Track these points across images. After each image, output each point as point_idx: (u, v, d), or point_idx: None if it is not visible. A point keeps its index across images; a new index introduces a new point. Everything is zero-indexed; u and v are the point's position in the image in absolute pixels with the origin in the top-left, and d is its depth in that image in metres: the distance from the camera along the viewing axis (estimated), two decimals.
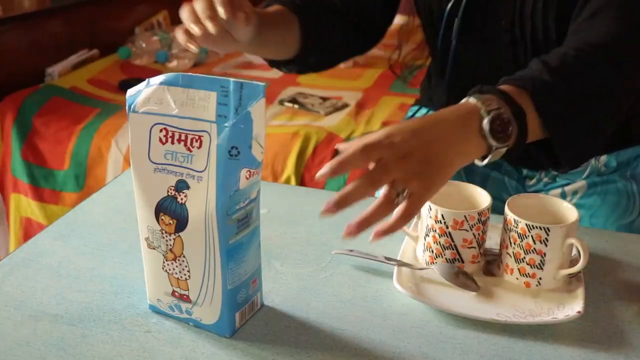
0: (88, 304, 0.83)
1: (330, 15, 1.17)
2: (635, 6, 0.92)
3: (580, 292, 0.85)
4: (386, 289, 0.87)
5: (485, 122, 0.75)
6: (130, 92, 0.73)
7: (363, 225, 0.71)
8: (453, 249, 0.87)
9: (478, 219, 0.85)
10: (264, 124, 0.70)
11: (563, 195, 1.23)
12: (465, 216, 0.85)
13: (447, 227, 0.86)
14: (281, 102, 2.18)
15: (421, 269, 0.89)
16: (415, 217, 0.91)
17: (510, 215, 0.85)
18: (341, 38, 1.20)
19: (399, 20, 1.27)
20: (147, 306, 0.82)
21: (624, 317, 0.84)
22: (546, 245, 0.83)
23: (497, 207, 0.97)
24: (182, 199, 0.71)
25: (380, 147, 0.70)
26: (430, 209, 0.86)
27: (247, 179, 0.71)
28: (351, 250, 0.93)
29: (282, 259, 0.95)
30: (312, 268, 0.93)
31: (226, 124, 0.68)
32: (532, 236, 0.83)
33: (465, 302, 0.84)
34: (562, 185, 1.23)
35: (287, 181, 1.81)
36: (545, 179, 1.25)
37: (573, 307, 0.82)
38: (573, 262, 0.86)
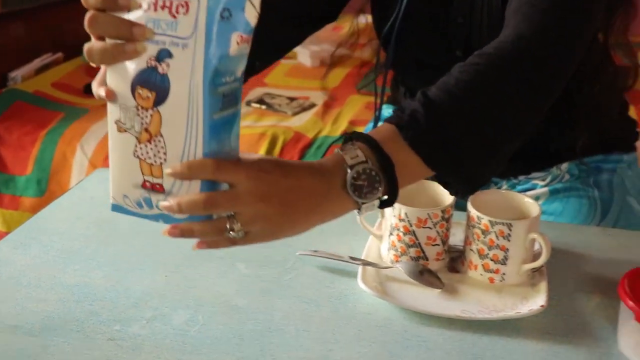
0: (49, 314, 0.82)
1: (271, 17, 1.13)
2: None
3: (543, 286, 0.86)
4: (351, 288, 0.87)
5: (349, 179, 0.68)
6: None
7: (184, 235, 0.67)
8: (417, 247, 0.87)
9: (441, 217, 0.86)
10: None
11: None
12: (428, 214, 0.85)
13: (410, 226, 0.86)
14: (248, 103, 2.17)
15: (386, 267, 0.89)
16: (379, 215, 0.91)
17: (473, 211, 0.86)
18: (284, 36, 1.17)
19: (367, 19, 1.27)
20: (110, 314, 0.81)
21: (586, 309, 0.85)
22: (509, 240, 0.84)
23: (461, 204, 0.98)
24: (163, 68, 0.65)
25: (243, 174, 0.65)
26: (394, 208, 0.86)
27: (237, 44, 0.64)
28: (315, 251, 0.93)
29: (247, 261, 0.94)
30: (277, 270, 0.92)
31: None
32: (495, 232, 0.84)
33: (430, 299, 0.84)
34: (524, 191, 1.22)
35: None
36: (506, 187, 1.25)
37: (536, 301, 0.83)
38: (536, 257, 0.87)
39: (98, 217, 1.04)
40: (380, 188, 0.69)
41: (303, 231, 0.70)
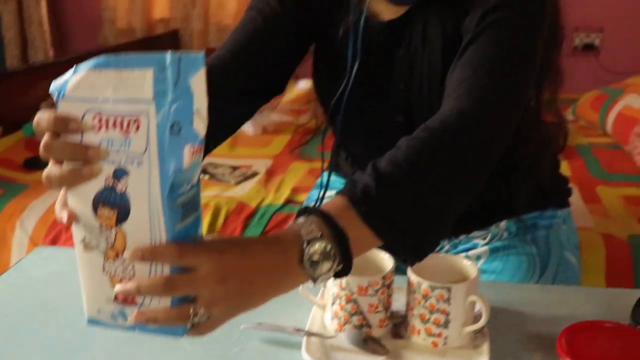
0: None
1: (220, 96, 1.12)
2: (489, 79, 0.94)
3: (485, 347, 0.87)
4: None
5: (306, 254, 0.71)
6: (57, 81, 0.66)
7: (149, 321, 0.67)
8: (360, 315, 0.88)
9: (382, 284, 0.87)
10: (205, 96, 0.65)
11: None
12: (369, 282, 0.86)
13: (352, 294, 0.87)
14: None
15: (330, 337, 0.89)
16: (322, 285, 0.92)
17: (413, 277, 0.87)
18: (234, 113, 1.17)
19: (307, 84, 1.30)
20: None
21: None
22: (449, 304, 0.85)
23: (402, 269, 0.99)
24: (121, 187, 0.65)
25: (203, 257, 0.67)
26: (334, 280, 0.87)
27: (190, 156, 0.65)
28: (259, 324, 0.93)
29: (192, 338, 0.93)
30: (222, 345, 0.91)
31: (166, 100, 0.63)
32: (435, 296, 0.85)
33: None
34: (465, 250, 1.26)
35: None
36: (448, 247, 1.28)
37: None
38: (477, 318, 0.88)
39: (37, 297, 1.02)
40: (335, 261, 0.72)
41: (260, 305, 0.72)
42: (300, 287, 0.91)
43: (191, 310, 0.66)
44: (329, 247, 0.71)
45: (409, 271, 0.88)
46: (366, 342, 0.87)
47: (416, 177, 0.81)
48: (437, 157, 0.83)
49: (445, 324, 0.87)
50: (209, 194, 2.02)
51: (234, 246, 0.70)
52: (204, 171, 2.19)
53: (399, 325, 0.93)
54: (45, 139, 0.66)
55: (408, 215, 0.79)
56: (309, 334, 0.89)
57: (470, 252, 1.24)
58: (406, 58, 1.11)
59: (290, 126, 2.55)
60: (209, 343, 0.91)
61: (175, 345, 0.90)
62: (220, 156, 2.39)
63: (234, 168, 2.24)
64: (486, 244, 1.23)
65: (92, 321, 0.72)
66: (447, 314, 0.86)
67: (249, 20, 1.16)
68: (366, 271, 0.89)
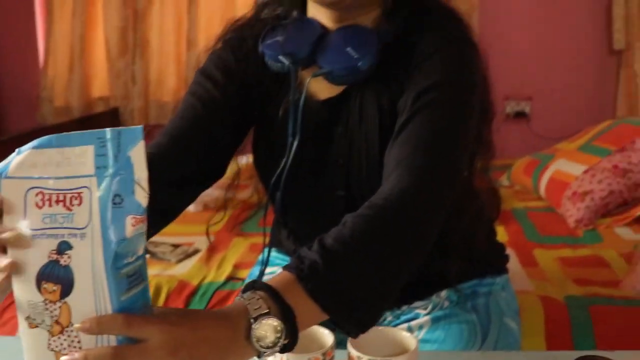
0: None
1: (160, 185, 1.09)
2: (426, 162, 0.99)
3: None
4: None
5: (253, 331, 0.73)
6: (4, 161, 0.69)
7: None
8: None
9: None
10: (145, 167, 0.68)
11: (410, 330, 1.24)
12: (309, 358, 0.86)
13: None
14: None
15: None
16: None
17: (353, 351, 0.88)
18: (175, 201, 1.15)
19: (248, 159, 1.31)
20: None
21: None
22: None
23: (344, 344, 0.99)
24: (65, 260, 0.67)
25: (154, 328, 0.68)
26: (275, 355, 0.87)
27: (133, 226, 0.67)
28: None
29: None
30: None
31: (107, 174, 0.66)
32: None
33: None
34: (408, 321, 1.26)
35: None
36: (390, 318, 1.28)
37: None
38: None
39: None
40: (282, 337, 0.75)
41: None
42: None
43: None
44: (275, 323, 0.74)
45: (349, 346, 0.88)
46: None
47: (361, 254, 0.86)
48: (381, 235, 0.89)
49: None
50: (149, 273, 1.99)
51: (185, 319, 0.71)
52: (145, 251, 2.16)
53: None
54: None
55: (353, 291, 0.84)
56: None
57: (413, 323, 1.25)
58: (344, 135, 1.14)
59: (232, 201, 2.55)
60: None
61: None
62: (161, 234, 2.33)
63: (175, 246, 2.22)
64: (428, 313, 1.25)
65: None
66: None
67: (189, 107, 1.17)
68: (306, 347, 0.90)
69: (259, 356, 0.75)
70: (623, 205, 2.54)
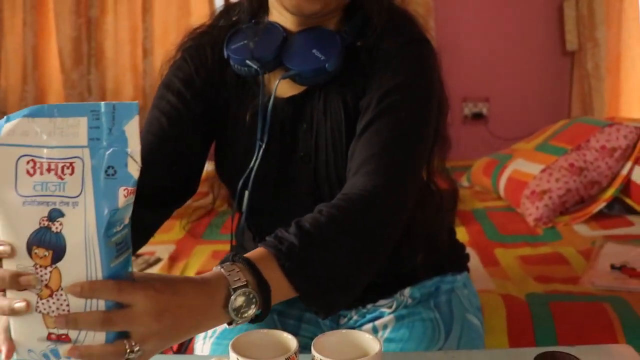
0: None
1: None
2: (392, 161, 1.04)
3: None
4: None
5: (231, 301, 0.80)
6: None
7: (83, 356, 0.70)
8: None
9: None
10: (138, 141, 0.70)
11: (375, 330, 1.27)
12: None
13: None
14: None
15: None
16: None
17: (316, 355, 0.87)
18: (150, 220, 1.14)
19: (209, 166, 1.31)
20: None
21: None
22: None
23: (309, 348, 0.99)
24: (57, 227, 0.68)
25: (140, 294, 0.72)
26: None
27: (125, 197, 0.69)
28: None
29: None
30: None
31: (101, 146, 0.68)
32: None
33: None
34: (373, 320, 1.28)
35: None
36: (355, 317, 1.30)
37: None
38: None
39: None
40: (254, 307, 0.82)
41: (183, 340, 0.79)
42: None
43: (127, 346, 0.70)
44: (251, 295, 0.81)
45: (313, 350, 0.88)
46: None
47: (335, 244, 0.93)
48: (353, 230, 0.96)
49: None
50: None
51: (168, 286, 0.75)
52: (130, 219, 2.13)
53: None
54: None
55: (325, 276, 0.91)
56: None
57: (377, 322, 1.27)
58: (309, 131, 1.16)
59: (193, 209, 2.52)
60: None
61: None
62: None
63: (137, 256, 2.19)
64: (392, 312, 1.26)
65: None
66: None
67: (155, 121, 1.16)
68: (270, 352, 0.89)
69: (229, 323, 0.81)
70: (580, 203, 2.59)
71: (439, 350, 1.20)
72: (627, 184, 2.54)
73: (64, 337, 0.71)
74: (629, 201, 2.54)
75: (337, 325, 1.31)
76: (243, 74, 1.16)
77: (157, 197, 1.11)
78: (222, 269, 0.82)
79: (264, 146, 1.14)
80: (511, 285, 1.92)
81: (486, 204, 2.76)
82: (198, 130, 1.19)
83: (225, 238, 2.21)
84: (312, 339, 0.91)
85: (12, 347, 0.71)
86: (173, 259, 2.17)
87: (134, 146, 0.70)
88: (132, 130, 0.70)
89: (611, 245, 2.21)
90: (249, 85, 1.19)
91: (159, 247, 2.29)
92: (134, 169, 0.70)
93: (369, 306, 1.29)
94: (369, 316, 1.29)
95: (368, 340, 0.92)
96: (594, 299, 1.80)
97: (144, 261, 2.15)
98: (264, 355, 0.88)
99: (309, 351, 0.90)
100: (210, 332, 1.26)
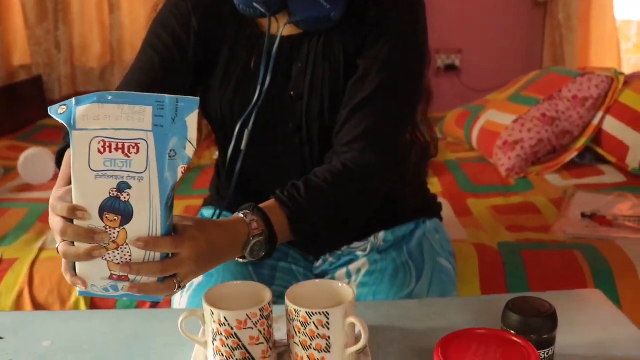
0: None
1: None
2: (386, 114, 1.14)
3: None
4: None
5: (250, 246, 0.97)
6: (59, 109, 0.81)
7: (141, 292, 0.85)
8: (242, 349, 0.87)
9: (261, 315, 0.87)
10: (195, 128, 0.82)
11: (348, 275, 1.29)
12: (247, 314, 0.86)
13: (232, 329, 0.86)
14: None
15: None
16: (201, 323, 0.91)
17: (290, 306, 0.88)
18: None
19: None
20: None
21: None
22: (328, 328, 0.86)
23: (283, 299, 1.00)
24: (125, 197, 0.80)
25: (186, 245, 0.86)
26: (213, 314, 0.86)
27: (182, 173, 0.83)
28: None
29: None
30: None
31: (164, 132, 0.80)
32: (314, 322, 0.86)
33: None
34: (347, 264, 1.30)
35: (76, 304, 1.71)
36: (331, 259, 1.32)
37: None
38: (358, 339, 0.90)
39: None
40: (263, 251, 0.99)
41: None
42: (180, 327, 0.90)
43: (175, 282, 0.86)
44: (264, 243, 0.98)
45: (287, 300, 0.88)
46: None
47: (333, 204, 1.08)
48: (347, 195, 1.11)
49: (327, 348, 0.87)
50: None
51: (202, 232, 0.89)
52: None
53: (282, 355, 0.93)
54: (60, 225, 0.82)
55: (322, 232, 1.08)
56: None
57: (351, 266, 1.30)
58: (304, 71, 1.19)
59: None
60: None
61: None
62: None
63: None
64: (366, 255, 1.29)
65: (83, 292, 0.87)
66: (328, 339, 0.87)
67: (147, 59, 1.20)
68: (244, 303, 0.89)
69: (244, 259, 0.99)
70: (552, 153, 2.61)
71: (412, 298, 1.21)
72: (599, 133, 2.56)
73: (123, 277, 0.85)
74: (600, 150, 2.57)
75: (311, 271, 1.32)
76: (247, 14, 1.18)
77: None
78: (245, 218, 0.97)
79: (265, 87, 1.18)
80: (483, 235, 1.94)
81: (459, 155, 2.77)
82: (189, 75, 1.22)
83: (198, 193, 2.20)
84: (287, 288, 0.92)
85: (84, 281, 0.85)
86: None
87: (193, 134, 0.82)
88: (192, 121, 0.82)
89: (582, 194, 2.24)
90: (246, 23, 1.21)
91: None
92: (190, 151, 0.82)
93: (344, 248, 1.32)
94: (343, 259, 1.31)
95: (342, 289, 0.93)
96: (565, 246, 1.83)
97: None
98: (238, 306, 0.88)
99: (283, 301, 0.90)
100: (187, 285, 1.27)
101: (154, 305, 1.59)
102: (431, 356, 0.82)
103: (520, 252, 1.80)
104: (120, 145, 0.80)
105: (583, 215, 2.03)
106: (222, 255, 0.95)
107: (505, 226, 2.02)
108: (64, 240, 0.83)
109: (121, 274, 0.84)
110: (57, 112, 0.81)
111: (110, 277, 0.85)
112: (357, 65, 1.17)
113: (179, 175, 0.82)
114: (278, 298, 0.97)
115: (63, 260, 0.86)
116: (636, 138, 2.42)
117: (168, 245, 0.84)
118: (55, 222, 0.83)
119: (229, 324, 0.86)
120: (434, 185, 2.33)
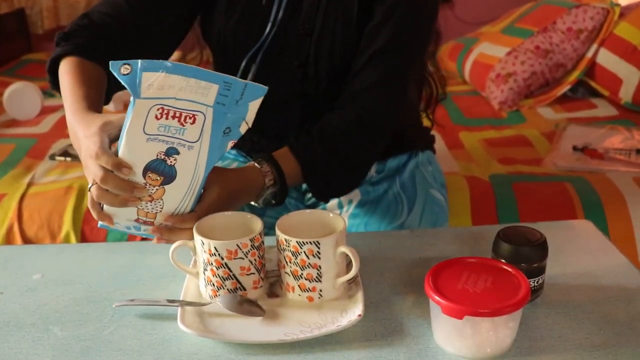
0: None
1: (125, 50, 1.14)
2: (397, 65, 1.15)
3: (359, 295, 0.89)
4: (173, 332, 0.85)
5: (263, 194, 1.04)
6: (122, 69, 0.82)
7: (163, 236, 0.93)
8: (233, 279, 0.87)
9: (251, 245, 0.86)
10: (255, 112, 0.87)
11: (340, 205, 1.29)
12: (237, 245, 0.85)
13: (222, 259, 0.86)
14: (52, 157, 2.07)
15: (205, 304, 0.88)
16: (192, 253, 0.91)
17: (281, 235, 0.87)
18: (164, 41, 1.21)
19: (175, 56, 1.27)
20: None
21: (402, 310, 0.89)
22: (319, 258, 0.86)
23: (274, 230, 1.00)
24: (171, 161, 0.84)
25: (215, 189, 0.93)
26: (203, 244, 0.86)
27: (230, 147, 0.88)
28: (132, 300, 0.90)
29: (62, 323, 0.89)
30: (95, 326, 0.88)
31: (225, 111, 0.84)
32: (304, 252, 0.86)
33: (253, 328, 0.84)
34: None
35: (67, 238, 1.71)
36: None
37: (354, 311, 0.86)
38: (349, 268, 0.90)
39: None
40: (274, 201, 1.07)
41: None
42: (171, 257, 0.90)
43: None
44: (276, 194, 1.05)
45: (277, 230, 0.88)
46: (242, 305, 0.86)
47: (346, 154, 1.12)
48: (361, 143, 1.14)
49: (318, 278, 0.87)
50: (71, 175, 1.94)
51: (220, 180, 0.95)
52: (65, 153, 2.09)
53: (274, 285, 0.93)
54: (101, 173, 0.85)
55: (333, 180, 1.13)
56: (183, 303, 0.87)
57: (343, 198, 1.29)
58: (314, 6, 1.16)
59: None
60: (81, 326, 0.88)
61: (45, 334, 0.87)
62: None
63: None
64: (358, 187, 1.28)
65: (103, 225, 0.92)
66: (319, 268, 0.87)
67: None
68: (235, 233, 0.89)
69: (256, 204, 1.07)
70: (545, 86, 2.59)
71: (403, 229, 1.21)
72: (592, 66, 2.54)
73: (149, 222, 0.90)
74: (593, 84, 2.55)
75: (302, 202, 1.32)
76: None
77: (146, 41, 1.16)
78: (261, 168, 1.03)
79: (281, 14, 1.16)
80: (475, 167, 1.94)
81: (451, 88, 2.73)
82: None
83: None
84: (278, 219, 0.91)
85: (111, 219, 0.90)
86: None
87: (251, 116, 0.86)
88: (254, 106, 0.85)
89: (574, 127, 2.24)
90: None
91: None
92: (244, 129, 0.87)
93: None
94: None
95: (332, 219, 0.92)
96: (556, 179, 1.83)
97: None
98: (229, 236, 0.87)
99: (274, 232, 0.90)
100: None
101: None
102: (422, 286, 0.82)
103: (511, 184, 1.80)
104: (177, 114, 0.82)
105: (574, 148, 2.03)
106: (236, 201, 1.00)
107: (497, 159, 2.02)
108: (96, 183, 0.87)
109: (148, 219, 0.90)
110: (119, 72, 0.81)
111: (136, 220, 0.90)
112: (371, 9, 1.15)
113: (228, 149, 0.88)
114: (270, 229, 0.96)
115: (90, 196, 0.89)
116: (630, 71, 2.40)
117: (194, 220, 0.90)
118: (96, 169, 0.85)
119: (219, 254, 0.85)
120: (427, 118, 2.32)
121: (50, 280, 1.00)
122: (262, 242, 0.89)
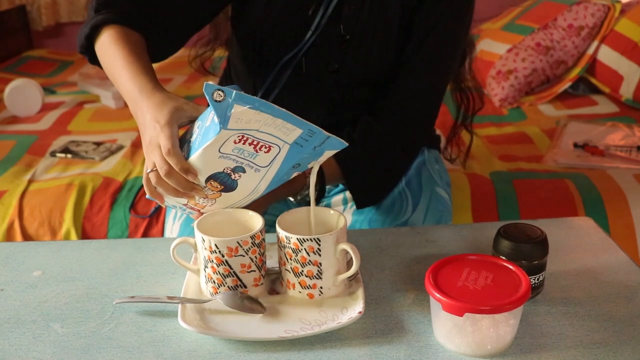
0: None
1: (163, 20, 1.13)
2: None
3: (360, 292, 0.89)
4: (173, 328, 0.85)
5: (303, 194, 1.13)
6: (215, 94, 0.79)
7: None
8: (233, 276, 0.87)
9: (252, 243, 0.86)
10: (328, 157, 0.89)
11: (344, 202, 1.29)
12: (238, 242, 0.85)
13: (223, 256, 0.86)
14: (53, 154, 2.07)
15: (205, 301, 0.88)
16: (193, 250, 0.91)
17: (281, 232, 0.87)
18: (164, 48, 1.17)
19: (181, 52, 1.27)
20: None
21: (403, 307, 0.89)
22: (320, 255, 0.86)
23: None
24: (235, 177, 0.87)
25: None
26: (204, 241, 0.86)
27: (292, 175, 0.91)
28: (133, 297, 0.90)
29: (62, 319, 0.89)
30: (95, 323, 0.88)
31: (301, 151, 0.85)
32: (305, 249, 0.86)
33: (253, 325, 0.84)
34: (343, 191, 1.30)
35: (67, 235, 1.71)
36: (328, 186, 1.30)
37: (355, 308, 0.86)
38: (350, 266, 0.90)
39: None
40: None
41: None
42: (172, 254, 0.90)
43: None
44: (316, 192, 1.05)
45: (277, 227, 0.88)
46: (242, 302, 0.86)
47: (384, 163, 1.20)
48: (399, 153, 1.21)
49: (319, 275, 0.87)
50: (72, 172, 1.94)
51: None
52: (66, 150, 2.09)
53: (275, 282, 0.93)
54: (166, 168, 0.86)
55: (372, 186, 1.19)
56: (184, 300, 0.87)
57: (348, 193, 1.29)
58: (357, 12, 1.17)
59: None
60: (81, 323, 0.88)
61: (45, 331, 0.86)
62: (82, 133, 2.29)
63: (98, 144, 2.15)
64: None
65: (151, 198, 0.94)
66: (319, 265, 0.87)
67: None
68: (238, 232, 0.89)
69: (293, 197, 1.16)
70: (546, 83, 2.59)
71: (406, 225, 1.21)
72: (593, 63, 2.53)
73: (196, 209, 0.94)
74: (593, 80, 2.55)
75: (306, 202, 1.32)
76: None
77: (173, 26, 1.14)
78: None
79: (316, 36, 1.17)
80: (476, 164, 1.94)
81: (452, 84, 2.74)
82: None
83: None
84: (278, 216, 0.91)
85: (162, 199, 0.93)
86: (136, 146, 2.14)
87: (323, 159, 0.89)
88: (329, 154, 0.88)
89: (574, 124, 2.23)
90: None
91: (121, 134, 2.26)
92: (312, 164, 0.90)
93: None
94: (341, 184, 1.31)
95: (333, 216, 0.92)
96: (557, 176, 1.83)
97: (105, 149, 2.11)
98: (230, 234, 0.87)
99: (274, 230, 0.90)
100: (179, 214, 1.27)
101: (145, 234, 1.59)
102: (422, 283, 0.82)
103: (512, 181, 1.80)
104: (255, 142, 0.83)
105: (575, 145, 2.03)
106: (277, 198, 1.09)
107: (497, 156, 2.02)
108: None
109: (197, 208, 0.93)
110: (212, 97, 0.80)
111: (185, 205, 0.93)
112: (412, 21, 1.17)
113: (291, 177, 0.92)
114: (270, 227, 0.96)
115: (146, 175, 0.91)
116: (631, 68, 2.40)
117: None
118: (162, 162, 0.86)
119: (220, 251, 0.85)
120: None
121: (51, 277, 1.00)
122: (263, 239, 0.89)
